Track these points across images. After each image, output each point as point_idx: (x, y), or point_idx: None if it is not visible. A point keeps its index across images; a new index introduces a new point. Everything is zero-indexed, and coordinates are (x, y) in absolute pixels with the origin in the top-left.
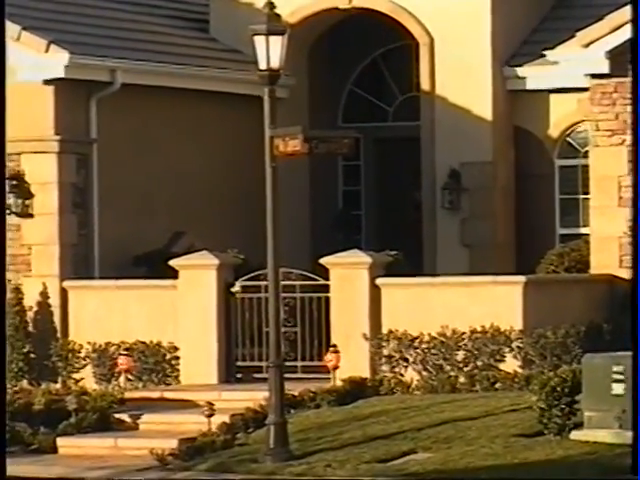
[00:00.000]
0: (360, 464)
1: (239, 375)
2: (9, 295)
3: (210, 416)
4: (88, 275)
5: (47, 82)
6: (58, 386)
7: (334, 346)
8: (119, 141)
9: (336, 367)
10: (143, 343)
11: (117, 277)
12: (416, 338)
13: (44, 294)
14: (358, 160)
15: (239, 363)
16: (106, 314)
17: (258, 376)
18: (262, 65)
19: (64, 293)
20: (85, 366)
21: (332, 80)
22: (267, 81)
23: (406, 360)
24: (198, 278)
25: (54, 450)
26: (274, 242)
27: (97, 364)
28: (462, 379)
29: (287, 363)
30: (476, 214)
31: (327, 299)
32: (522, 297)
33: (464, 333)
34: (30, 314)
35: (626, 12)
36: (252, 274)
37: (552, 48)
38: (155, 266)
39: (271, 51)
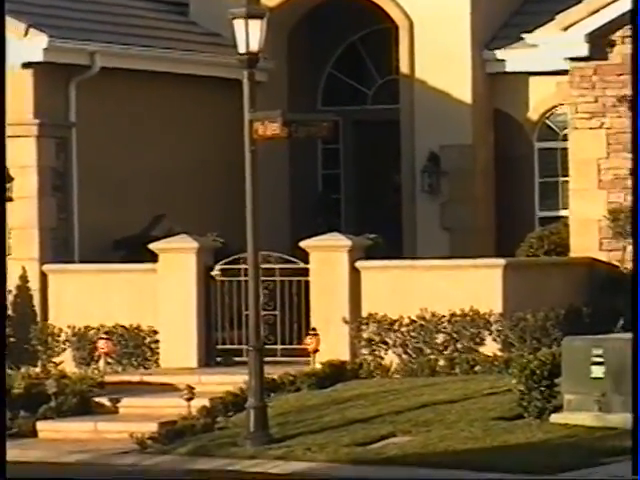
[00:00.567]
0: (339, 447)
1: (219, 358)
2: None
3: (190, 400)
4: (68, 259)
5: (26, 66)
6: (38, 370)
7: (314, 329)
8: (98, 125)
9: (316, 350)
10: (123, 327)
11: (97, 261)
12: (396, 321)
13: (23, 278)
14: (337, 143)
15: (219, 346)
16: (86, 298)
17: (238, 359)
18: (241, 48)
19: (44, 277)
20: (65, 350)
21: (311, 63)
22: (246, 64)
23: (386, 343)
24: (178, 262)
25: (34, 434)
26: (254, 226)
27: (77, 348)
28: (442, 362)
29: (267, 346)
30: (456, 197)
31: (307, 282)
32: (502, 280)
33: (444, 316)
34: (10, 298)
35: None
36: (232, 257)
37: (531, 31)
38: (135, 250)
39: (250, 34)
